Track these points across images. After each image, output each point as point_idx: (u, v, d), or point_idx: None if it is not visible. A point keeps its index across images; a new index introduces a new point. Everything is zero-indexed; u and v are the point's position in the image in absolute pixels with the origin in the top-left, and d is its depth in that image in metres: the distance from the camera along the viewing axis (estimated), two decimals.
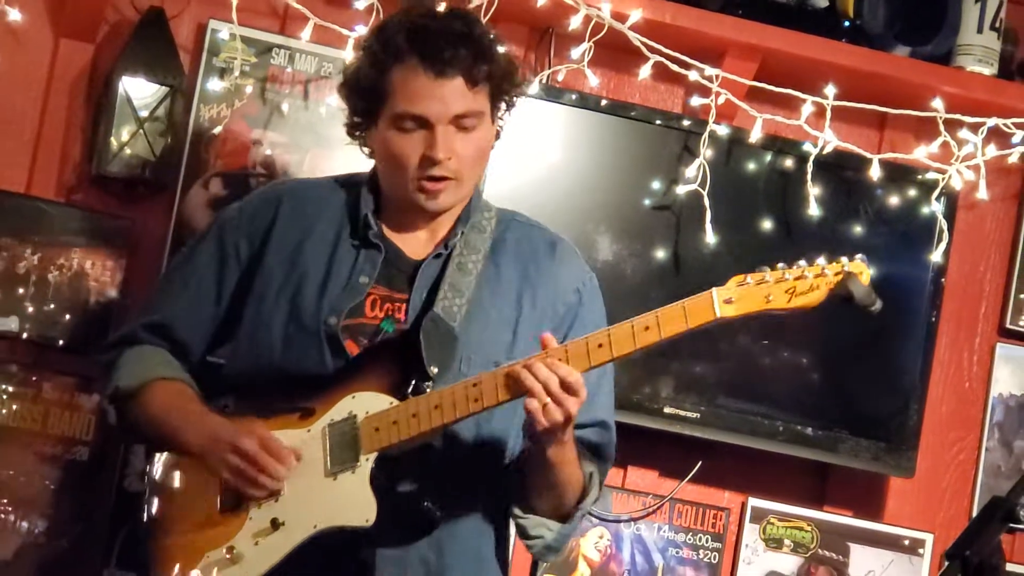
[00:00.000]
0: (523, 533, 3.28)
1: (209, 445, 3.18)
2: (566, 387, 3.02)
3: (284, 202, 3.38)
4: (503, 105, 3.33)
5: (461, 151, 3.22)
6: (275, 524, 3.13)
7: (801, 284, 3.07)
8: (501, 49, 3.31)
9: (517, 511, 3.26)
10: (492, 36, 3.31)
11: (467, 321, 3.22)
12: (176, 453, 3.25)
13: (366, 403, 3.14)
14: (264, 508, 3.14)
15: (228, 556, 3.14)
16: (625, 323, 3.07)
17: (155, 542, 3.23)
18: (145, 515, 3.28)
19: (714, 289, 3.07)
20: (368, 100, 3.27)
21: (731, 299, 3.06)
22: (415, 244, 3.32)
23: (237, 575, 3.14)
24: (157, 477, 3.29)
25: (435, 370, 3.14)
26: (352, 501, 3.12)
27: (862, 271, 3.08)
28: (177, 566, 3.17)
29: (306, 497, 3.14)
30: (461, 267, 3.28)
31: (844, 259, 3.09)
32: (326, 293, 3.27)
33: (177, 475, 3.26)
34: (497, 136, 3.36)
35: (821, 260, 3.09)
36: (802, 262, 3.09)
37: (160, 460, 3.28)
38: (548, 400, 3.01)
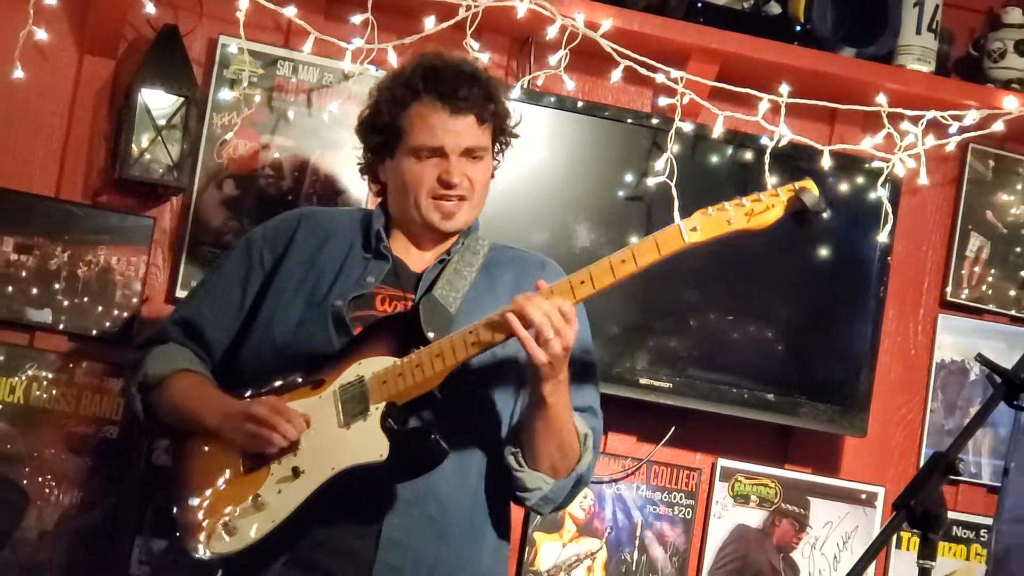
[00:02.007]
0: (520, 486, 3.25)
1: (225, 420, 3.21)
2: (563, 315, 3.04)
3: (304, 219, 3.44)
4: (500, 145, 3.40)
5: (472, 176, 3.30)
6: (296, 472, 3.14)
7: (757, 205, 3.10)
8: (502, 94, 3.38)
9: (514, 463, 3.24)
10: (496, 83, 3.39)
11: (461, 314, 3.26)
12: (197, 434, 3.26)
13: (372, 365, 3.16)
14: (285, 461, 3.15)
15: (255, 506, 3.15)
16: (603, 259, 3.09)
17: (183, 507, 3.23)
18: (172, 490, 3.28)
19: (680, 220, 3.11)
20: (386, 135, 3.34)
21: (696, 227, 3.09)
22: (419, 260, 3.38)
23: (262, 520, 3.15)
24: (181, 456, 3.31)
25: (432, 335, 3.15)
26: (365, 441, 3.13)
27: (811, 185, 3.11)
28: (206, 520, 3.18)
29: (323, 446, 3.15)
30: (458, 272, 3.34)
31: (794, 181, 3.14)
32: (336, 286, 3.31)
33: (199, 451, 3.27)
34: (492, 175, 3.41)
35: (774, 186, 3.15)
36: (757, 192, 3.13)
37: (183, 441, 3.30)
38: (551, 334, 3.02)
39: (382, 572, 3.16)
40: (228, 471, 3.21)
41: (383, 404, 3.14)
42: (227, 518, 3.16)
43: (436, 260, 3.35)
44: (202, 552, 3.16)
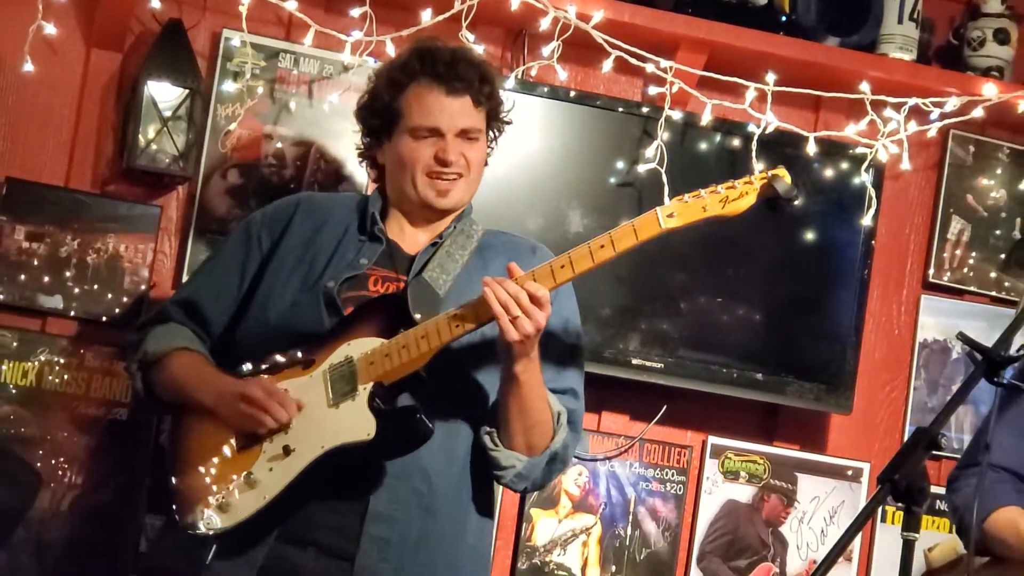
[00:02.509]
0: (496, 464, 3.26)
1: (220, 399, 3.22)
2: (535, 300, 3.05)
3: (302, 203, 3.46)
4: (494, 131, 3.42)
5: (468, 155, 3.31)
6: (287, 451, 3.16)
7: (732, 192, 3.11)
8: (497, 80, 3.40)
9: (488, 442, 3.25)
10: (493, 70, 3.41)
11: (452, 293, 3.26)
12: (194, 411, 3.28)
13: (361, 346, 3.18)
14: (276, 439, 3.17)
15: (247, 483, 3.16)
16: (583, 245, 3.10)
17: (179, 484, 3.24)
18: (169, 467, 3.29)
19: (658, 207, 3.12)
20: (384, 117, 3.35)
21: (672, 213, 3.11)
22: (413, 242, 3.38)
23: (254, 497, 3.16)
24: (178, 433, 3.32)
25: (419, 316, 3.16)
26: (353, 421, 3.15)
27: (783, 173, 3.12)
28: (201, 497, 3.19)
29: (313, 425, 3.17)
30: (450, 255, 3.34)
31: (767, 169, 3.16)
32: (329, 267, 3.32)
33: (195, 429, 3.28)
34: (485, 162, 3.42)
35: (749, 174, 3.15)
36: (732, 179, 3.13)
37: (181, 417, 3.32)
38: (519, 312, 3.03)
39: (369, 544, 3.18)
40: (222, 449, 3.23)
41: (371, 384, 3.16)
42: (221, 495, 3.18)
43: (430, 242, 3.36)
44: (197, 528, 3.18)
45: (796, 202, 3.16)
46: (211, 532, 3.18)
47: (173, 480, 3.26)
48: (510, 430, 3.22)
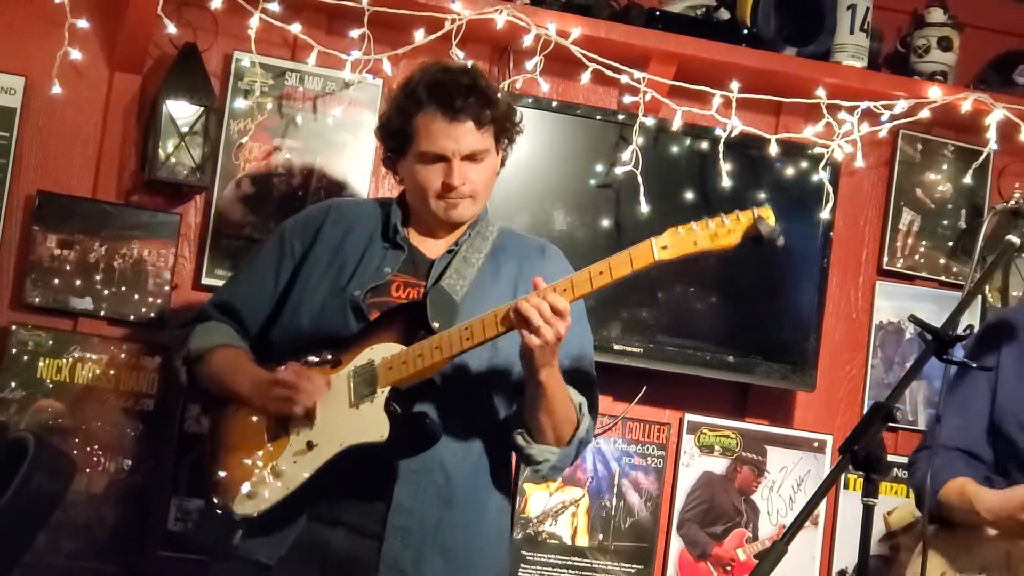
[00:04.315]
0: (530, 460, 3.29)
1: (255, 387, 3.24)
2: (555, 311, 3.05)
3: (331, 211, 3.45)
4: (506, 140, 3.39)
5: (473, 177, 3.30)
6: (310, 445, 3.18)
7: (721, 229, 3.09)
8: (502, 96, 3.37)
9: (522, 441, 3.27)
10: (494, 86, 3.38)
11: (467, 301, 3.26)
12: (233, 401, 3.29)
13: (382, 351, 3.19)
14: (302, 434, 3.19)
15: (272, 474, 3.18)
16: (584, 270, 3.10)
17: (213, 470, 3.26)
18: (205, 454, 3.31)
19: (653, 238, 3.10)
20: (398, 140, 3.34)
21: (666, 246, 3.08)
22: (433, 248, 3.38)
23: (280, 487, 3.19)
24: (217, 421, 3.33)
25: (437, 325, 3.17)
26: (370, 422, 3.16)
27: (769, 215, 3.11)
28: (231, 485, 3.21)
29: (334, 423, 3.18)
30: (466, 260, 3.34)
31: (755, 208, 3.11)
32: (356, 275, 3.31)
33: (231, 421, 3.29)
34: (503, 163, 3.42)
35: (736, 212, 3.11)
36: (721, 215, 3.11)
37: (220, 409, 3.33)
38: (541, 323, 3.03)
39: (393, 534, 3.19)
40: (254, 440, 3.24)
41: (388, 388, 3.17)
42: (249, 484, 3.20)
43: (448, 247, 3.36)
44: (227, 512, 3.20)
45: (779, 242, 3.12)
46: (238, 517, 3.19)
47: (208, 467, 3.28)
48: (540, 428, 3.24)
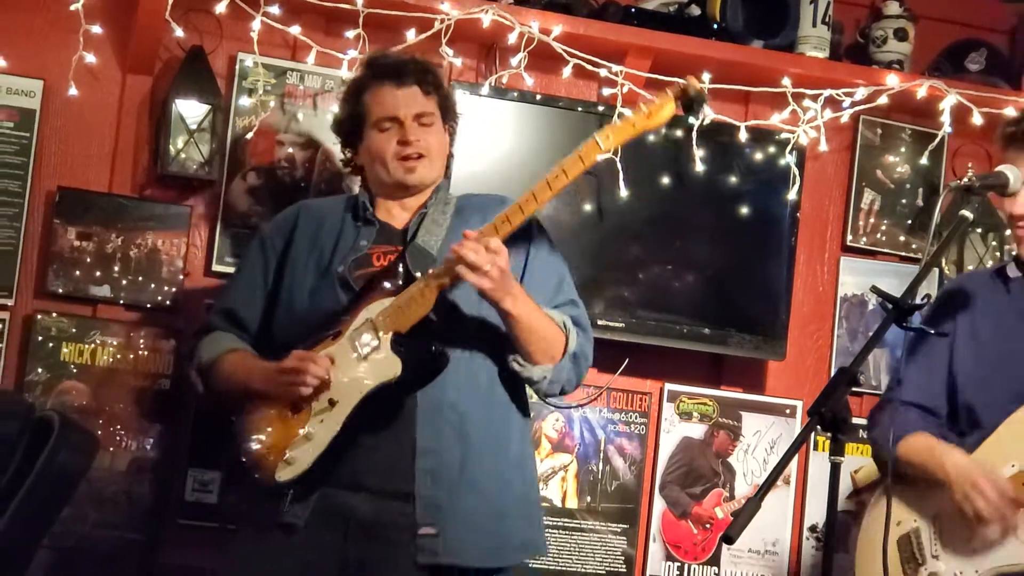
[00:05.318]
0: (530, 381, 3.30)
1: (267, 380, 3.24)
2: (489, 250, 3.08)
3: (302, 211, 3.49)
4: (450, 120, 3.43)
5: (425, 137, 3.33)
6: (332, 403, 3.19)
7: (653, 107, 3.13)
8: (446, 83, 3.41)
9: (517, 366, 3.27)
10: (435, 66, 3.44)
11: (442, 251, 3.28)
12: (248, 399, 3.29)
13: (376, 308, 3.22)
14: (322, 396, 3.19)
15: (304, 439, 3.19)
16: (541, 181, 3.15)
17: (251, 454, 3.25)
18: (240, 444, 3.28)
19: (595, 133, 3.15)
20: (353, 123, 3.39)
21: (608, 135, 3.13)
22: (400, 219, 3.41)
23: (312, 448, 3.18)
24: (243, 418, 3.31)
25: (419, 275, 3.20)
26: (381, 365, 3.18)
27: (692, 80, 3.13)
28: (271, 458, 3.21)
29: (349, 378, 3.19)
30: (434, 220, 3.36)
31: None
32: (337, 253, 3.34)
33: (255, 410, 3.29)
34: (451, 142, 3.44)
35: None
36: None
37: (243, 405, 3.31)
38: (482, 263, 3.06)
39: (423, 477, 3.20)
40: (280, 419, 3.24)
41: (390, 334, 3.18)
42: (287, 453, 3.19)
43: (414, 215, 3.38)
44: (274, 480, 3.20)
45: (705, 103, 3.13)
46: (285, 482, 3.19)
47: (246, 454, 3.27)
48: (529, 350, 3.25)
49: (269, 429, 3.25)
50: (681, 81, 3.14)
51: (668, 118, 3.16)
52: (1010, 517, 3.16)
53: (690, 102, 3.15)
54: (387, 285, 3.24)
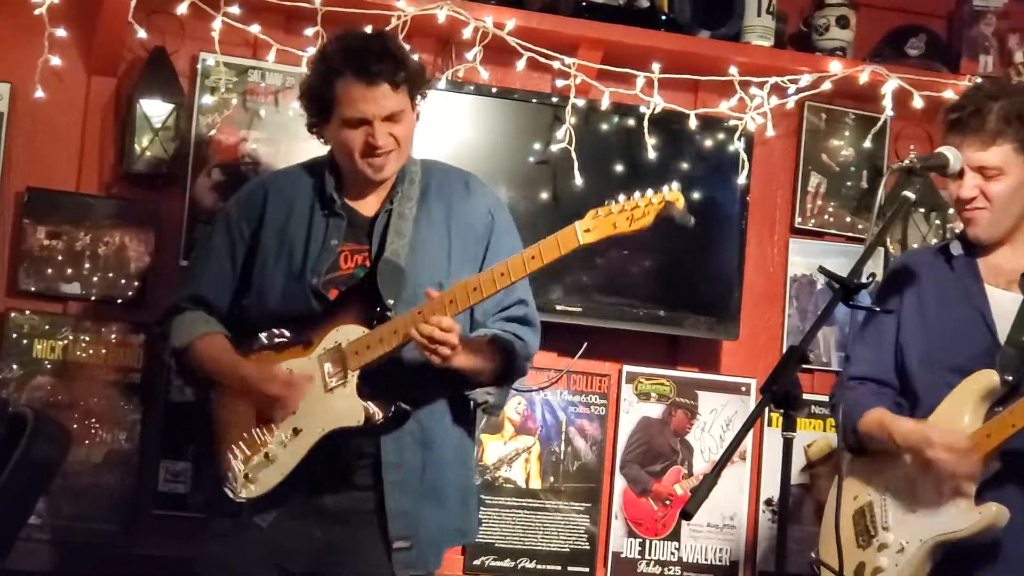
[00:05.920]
0: (475, 403, 3.38)
1: (243, 388, 3.25)
2: (444, 330, 3.11)
3: (269, 189, 3.42)
4: (419, 97, 3.37)
5: (395, 133, 3.28)
6: (296, 431, 3.20)
7: (636, 212, 3.09)
8: (412, 57, 3.36)
9: (467, 392, 3.35)
10: (405, 48, 3.37)
11: (411, 257, 3.27)
12: (222, 389, 3.30)
13: (347, 333, 3.21)
14: (287, 422, 3.21)
15: (266, 459, 3.21)
16: (516, 256, 3.14)
17: (216, 453, 3.26)
18: (207, 435, 3.31)
19: (576, 223, 3.12)
20: (320, 106, 3.32)
21: (589, 229, 3.11)
22: (368, 205, 3.37)
23: (274, 472, 3.21)
24: (214, 406, 3.32)
25: (391, 302, 3.20)
26: (346, 409, 3.20)
27: (677, 198, 3.11)
28: (232, 467, 3.22)
29: (314, 409, 3.21)
30: (401, 215, 3.32)
31: (665, 189, 3.10)
32: (309, 254, 3.30)
33: (228, 405, 3.29)
34: (417, 118, 3.38)
35: (649, 192, 3.09)
36: (636, 194, 3.10)
37: (211, 396, 3.33)
38: (435, 346, 3.11)
39: (390, 488, 3.25)
40: (247, 427, 3.25)
41: (357, 372, 3.19)
42: (248, 471, 3.21)
43: (381, 206, 3.34)
44: (234, 493, 3.21)
45: (689, 225, 3.15)
46: (244, 500, 3.22)
47: (212, 449, 3.29)
48: (478, 380, 3.33)
49: (234, 436, 3.27)
50: (667, 196, 3.11)
51: (647, 226, 3.13)
52: (974, 464, 3.17)
53: (671, 219, 3.14)
54: (359, 305, 3.23)
